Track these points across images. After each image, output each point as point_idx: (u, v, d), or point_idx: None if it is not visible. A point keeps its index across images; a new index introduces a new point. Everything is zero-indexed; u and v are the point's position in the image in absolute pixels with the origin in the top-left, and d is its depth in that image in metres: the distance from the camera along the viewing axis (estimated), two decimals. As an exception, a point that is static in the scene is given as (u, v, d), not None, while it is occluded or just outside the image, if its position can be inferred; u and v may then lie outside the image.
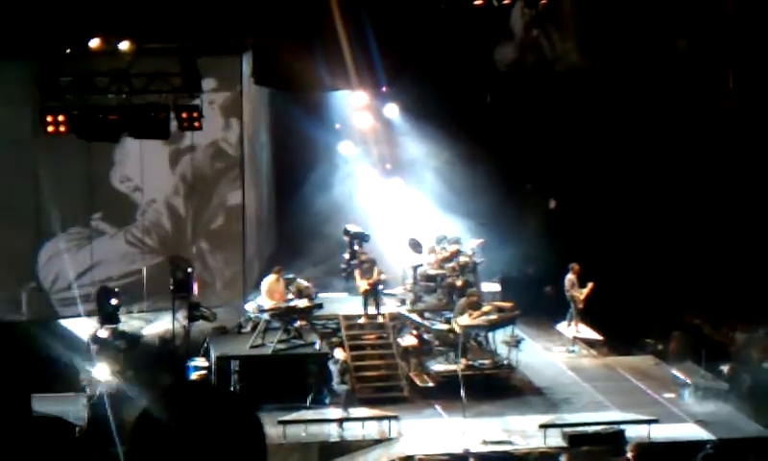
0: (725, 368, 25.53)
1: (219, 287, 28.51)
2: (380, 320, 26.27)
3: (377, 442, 22.35)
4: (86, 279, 27.78)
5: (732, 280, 28.42)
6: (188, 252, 27.94)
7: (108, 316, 25.52)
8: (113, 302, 25.69)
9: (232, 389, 23.87)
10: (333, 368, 23.81)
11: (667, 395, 24.94)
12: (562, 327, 28.23)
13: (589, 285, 27.38)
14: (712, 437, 22.41)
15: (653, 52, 29.76)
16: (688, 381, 24.98)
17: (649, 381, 25.85)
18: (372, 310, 26.29)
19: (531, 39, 30.74)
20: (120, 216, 28.42)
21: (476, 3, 29.49)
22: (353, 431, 22.66)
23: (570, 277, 27.73)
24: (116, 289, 25.99)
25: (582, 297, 27.50)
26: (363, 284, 26.31)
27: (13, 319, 26.67)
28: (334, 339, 25.78)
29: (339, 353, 24.10)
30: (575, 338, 27.89)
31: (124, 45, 26.31)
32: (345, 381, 23.69)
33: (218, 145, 28.80)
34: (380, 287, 26.59)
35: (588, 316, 27.87)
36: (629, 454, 21.34)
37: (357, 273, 26.55)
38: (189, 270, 26.13)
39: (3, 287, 27.37)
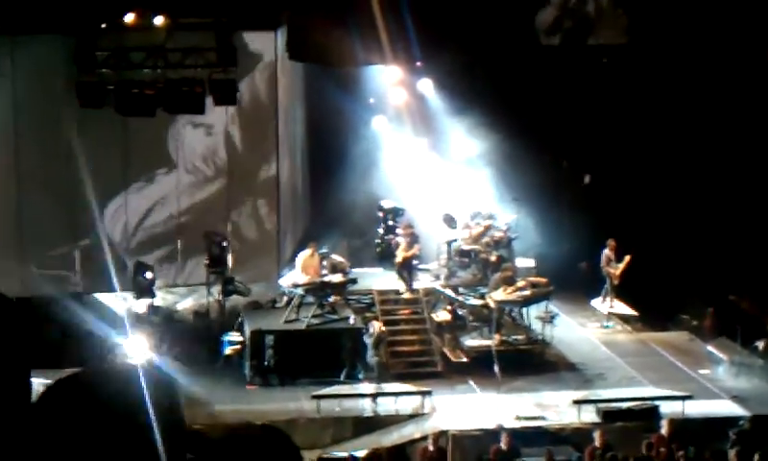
0: (760, 344, 25.41)
1: (253, 262, 28.58)
2: (409, 294, 26.33)
3: (411, 417, 22.38)
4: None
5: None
6: (224, 225, 28.02)
7: (144, 290, 25.70)
8: (148, 275, 25.86)
9: (266, 363, 24.00)
10: (368, 341, 23.90)
11: (702, 371, 24.85)
12: (596, 302, 28.17)
13: (626, 259, 27.29)
14: (747, 413, 22.32)
15: (693, 31, 29.48)
16: (724, 357, 24.88)
17: (684, 357, 25.76)
18: (402, 285, 26.40)
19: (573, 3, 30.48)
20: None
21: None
22: (387, 406, 22.70)
23: (606, 252, 27.65)
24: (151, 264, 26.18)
25: (618, 272, 27.42)
26: (399, 255, 26.47)
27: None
28: (369, 314, 25.85)
29: (374, 325, 24.19)
30: (610, 313, 27.83)
31: (159, 20, 26.41)
32: (378, 354, 23.77)
33: (253, 120, 28.84)
34: (415, 262, 26.66)
35: (622, 292, 27.81)
36: (663, 430, 21.25)
37: (403, 244, 26.66)
38: (224, 244, 26.24)
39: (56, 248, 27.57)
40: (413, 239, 26.79)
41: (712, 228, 29.02)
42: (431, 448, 20.73)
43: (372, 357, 23.75)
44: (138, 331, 24.18)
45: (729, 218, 29.18)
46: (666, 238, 28.79)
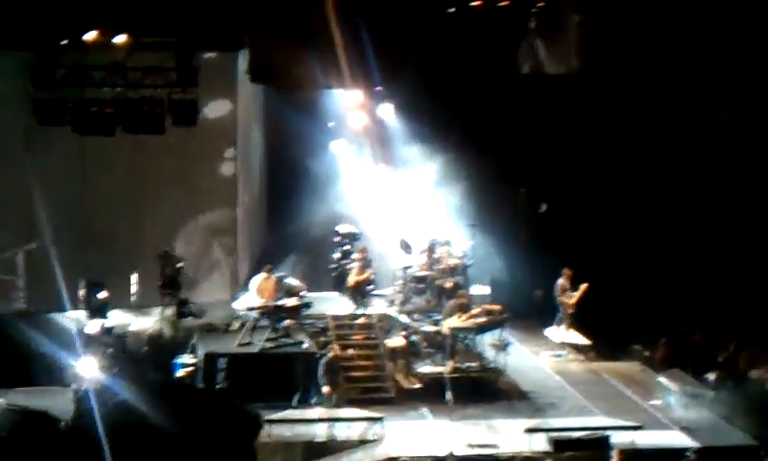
0: (712, 376, 25.58)
1: (208, 284, 28.50)
2: (362, 319, 26.39)
3: (362, 443, 22.33)
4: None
5: (721, 289, 28.51)
6: (179, 247, 27.91)
7: (96, 310, 25.57)
8: (101, 295, 25.73)
9: (218, 387, 23.95)
10: (321, 366, 23.90)
11: (653, 401, 24.98)
12: (550, 331, 28.29)
13: (582, 287, 27.43)
14: (697, 444, 22.44)
15: (650, 61, 29.74)
16: (675, 388, 25.01)
17: (635, 387, 25.88)
18: (356, 308, 26.51)
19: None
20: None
21: (474, 4, 29.48)
22: (338, 432, 22.64)
23: (562, 281, 27.79)
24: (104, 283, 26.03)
25: (573, 301, 27.56)
26: (352, 279, 26.57)
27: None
28: (324, 338, 25.83)
29: (330, 351, 24.23)
30: (562, 342, 27.95)
31: (120, 39, 26.34)
32: (331, 380, 23.76)
33: (211, 140, 28.79)
34: (369, 287, 26.71)
35: (576, 320, 27.95)
36: (614, 460, 21.34)
37: (355, 268, 26.74)
38: (178, 266, 26.17)
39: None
40: (365, 263, 26.89)
41: (666, 259, 29.24)
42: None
43: (322, 383, 23.73)
44: (90, 352, 24.06)
45: (682, 250, 29.41)
46: (620, 268, 28.98)
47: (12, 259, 27.54)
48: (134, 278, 27.47)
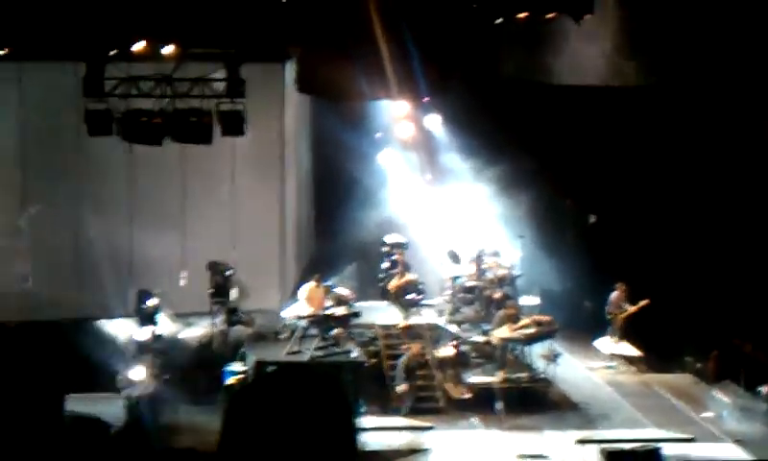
0: (764, 388, 25.31)
1: (257, 293, 28.48)
2: (404, 323, 26.29)
3: (411, 452, 22.26)
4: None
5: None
6: (228, 255, 27.93)
7: (146, 318, 25.64)
8: (151, 303, 25.80)
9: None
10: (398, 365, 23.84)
11: (705, 414, 24.75)
12: (600, 342, 28.09)
13: (642, 303, 27.21)
14: (750, 458, 22.21)
15: (705, 72, 29.50)
16: (727, 401, 24.79)
17: (687, 400, 25.67)
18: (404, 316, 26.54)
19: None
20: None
21: (521, 16, 29.36)
22: (388, 441, 22.57)
23: (616, 294, 27.62)
24: (155, 291, 26.08)
25: (626, 314, 27.35)
26: (392, 283, 26.67)
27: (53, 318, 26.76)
28: (371, 348, 25.79)
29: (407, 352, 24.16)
30: (613, 354, 27.75)
31: (168, 49, 26.43)
32: (410, 382, 23.66)
33: (259, 151, 28.84)
34: (415, 295, 26.72)
35: (627, 332, 27.74)
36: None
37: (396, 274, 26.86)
38: (228, 273, 26.18)
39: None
40: (404, 268, 26.91)
41: (717, 270, 28.97)
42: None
43: (398, 382, 23.63)
44: (140, 359, 24.11)
45: (734, 261, 29.13)
46: (671, 280, 28.74)
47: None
48: (183, 285, 27.51)
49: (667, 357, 27.69)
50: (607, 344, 27.89)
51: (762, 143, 30.04)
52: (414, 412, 23.95)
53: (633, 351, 27.79)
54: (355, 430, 4.06)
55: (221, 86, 26.43)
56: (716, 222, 29.69)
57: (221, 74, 26.11)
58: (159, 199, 28.48)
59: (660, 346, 27.35)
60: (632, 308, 27.33)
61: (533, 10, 26.81)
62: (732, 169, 29.94)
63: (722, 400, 24.96)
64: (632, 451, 22.22)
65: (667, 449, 22.23)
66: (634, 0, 29.56)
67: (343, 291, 26.30)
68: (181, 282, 27.68)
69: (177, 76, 26.50)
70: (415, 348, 24.54)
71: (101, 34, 26.14)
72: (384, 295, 28.34)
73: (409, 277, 27.29)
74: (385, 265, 28.43)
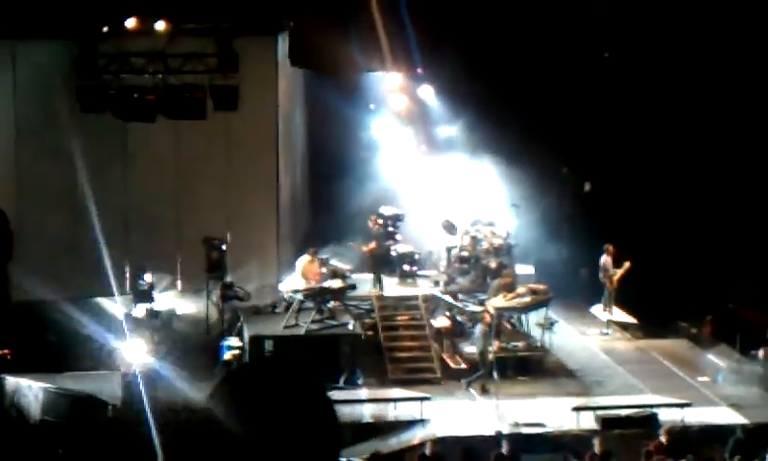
0: (760, 352, 25.38)
1: (253, 267, 28.54)
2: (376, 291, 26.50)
3: (410, 423, 22.35)
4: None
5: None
6: (223, 231, 27.96)
7: (142, 294, 25.71)
8: (147, 279, 25.87)
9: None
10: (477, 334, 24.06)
11: (701, 378, 24.85)
12: (595, 309, 28.18)
13: (626, 265, 27.29)
14: (746, 421, 22.31)
15: (698, 41, 29.51)
16: (722, 365, 24.87)
17: (683, 365, 25.76)
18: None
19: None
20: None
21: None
22: (386, 412, 22.69)
23: (605, 258, 27.67)
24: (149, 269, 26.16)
25: (615, 278, 27.43)
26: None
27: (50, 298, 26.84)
28: (368, 320, 25.84)
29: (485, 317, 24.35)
30: (609, 321, 27.84)
31: (160, 25, 26.44)
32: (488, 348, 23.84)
33: (253, 125, 28.82)
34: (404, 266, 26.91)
35: (621, 299, 27.82)
36: (662, 437, 21.20)
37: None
38: (223, 247, 26.21)
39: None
40: (377, 235, 27.10)
41: (712, 235, 29.04)
42: (428, 453, 20.69)
43: (480, 351, 23.73)
44: (137, 336, 24.20)
45: (728, 225, 29.21)
46: (666, 246, 28.81)
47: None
48: (179, 261, 27.58)
49: (662, 323, 27.77)
50: (602, 311, 27.97)
51: (759, 107, 30.09)
52: (411, 383, 24.04)
53: (628, 318, 27.87)
54: (335, 423, 4.14)
55: (213, 61, 26.42)
56: (711, 188, 29.74)
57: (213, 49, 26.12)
58: (154, 176, 28.47)
59: (654, 312, 27.42)
60: (619, 272, 27.39)
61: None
62: (729, 131, 29.97)
63: (717, 364, 25.05)
64: (627, 417, 22.35)
65: (663, 415, 22.36)
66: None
67: (338, 264, 26.36)
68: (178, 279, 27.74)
69: (169, 52, 26.48)
70: (486, 314, 24.48)
71: (93, 11, 26.16)
72: (381, 266, 28.41)
73: (374, 244, 27.35)
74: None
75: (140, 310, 25.55)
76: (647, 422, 22.24)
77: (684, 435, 21.40)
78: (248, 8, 27.16)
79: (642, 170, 30.29)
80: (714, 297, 27.82)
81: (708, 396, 23.85)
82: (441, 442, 21.19)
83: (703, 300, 27.61)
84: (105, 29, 26.58)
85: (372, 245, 27.21)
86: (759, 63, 29.62)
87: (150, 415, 20.31)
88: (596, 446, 20.60)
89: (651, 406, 22.74)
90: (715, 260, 28.39)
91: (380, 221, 27.78)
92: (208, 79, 26.24)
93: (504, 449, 20.52)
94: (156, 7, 26.65)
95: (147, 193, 28.34)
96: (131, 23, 26.40)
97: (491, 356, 23.82)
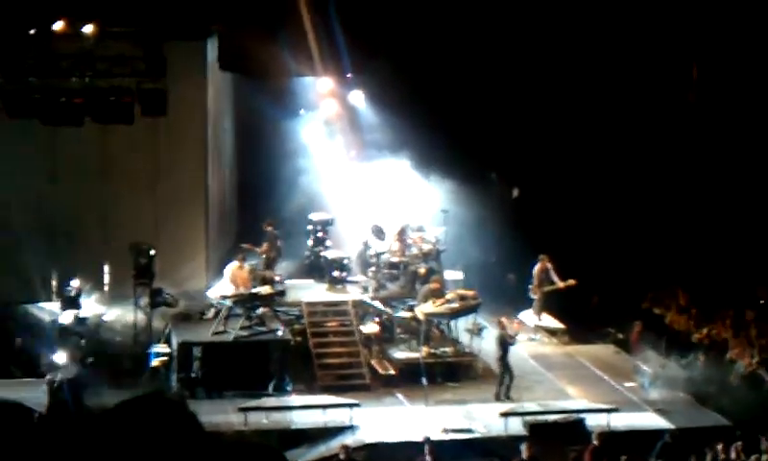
0: (686, 357, 25.69)
1: (181, 273, 28.36)
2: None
3: (338, 429, 22.32)
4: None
5: (694, 270, 28.62)
6: (151, 237, 27.74)
7: (69, 300, 25.43)
8: (74, 285, 25.60)
9: (193, 375, 23.90)
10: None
11: (628, 384, 25.08)
12: (524, 315, 28.32)
13: (570, 282, 27.36)
14: (671, 426, 22.55)
15: (617, 43, 29.83)
16: (649, 370, 25.12)
17: (610, 370, 25.99)
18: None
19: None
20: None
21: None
22: (314, 418, 22.64)
23: (539, 266, 27.81)
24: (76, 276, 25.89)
25: (555, 288, 27.50)
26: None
27: None
28: (297, 326, 25.77)
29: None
30: (537, 326, 28.00)
31: (88, 28, 26.18)
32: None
33: (181, 130, 28.63)
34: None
35: (550, 305, 28.00)
36: (594, 441, 21.35)
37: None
38: (152, 252, 25.99)
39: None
40: (272, 237, 27.14)
41: (638, 241, 29.31)
42: (342, 457, 20.66)
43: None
44: (64, 342, 23.94)
45: (654, 232, 29.51)
46: (593, 252, 29.04)
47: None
48: (106, 267, 27.31)
49: (590, 328, 28.00)
50: (530, 317, 28.13)
51: (681, 112, 30.45)
52: (341, 389, 24.01)
53: (556, 324, 28.06)
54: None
55: (141, 65, 26.21)
56: (637, 194, 30.03)
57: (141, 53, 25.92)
58: (82, 180, 28.19)
59: (582, 317, 27.64)
60: (560, 284, 27.53)
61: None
62: (650, 136, 30.30)
63: (644, 369, 25.28)
64: (555, 423, 22.51)
65: (590, 420, 22.54)
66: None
67: (267, 270, 26.27)
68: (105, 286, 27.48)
69: (97, 55, 26.23)
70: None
71: (19, 13, 25.85)
72: (311, 273, 28.37)
73: (334, 253, 27.40)
74: (310, 242, 28.43)
75: (67, 317, 25.25)
76: (574, 427, 22.40)
77: (613, 440, 21.58)
78: (177, 12, 26.99)
79: (570, 175, 30.51)
80: (641, 302, 28.11)
81: (635, 401, 24.09)
82: (369, 448, 21.22)
83: (630, 306, 27.87)
84: (31, 31, 26.24)
85: (265, 246, 27.19)
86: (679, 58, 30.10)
87: (76, 422, 20.08)
88: (524, 451, 20.75)
89: (578, 411, 22.92)
90: (642, 266, 28.65)
91: (274, 226, 27.73)
92: (136, 83, 26.00)
93: (427, 456, 20.59)
94: (85, 10, 26.38)
95: (74, 198, 28.06)
96: (58, 26, 26.11)
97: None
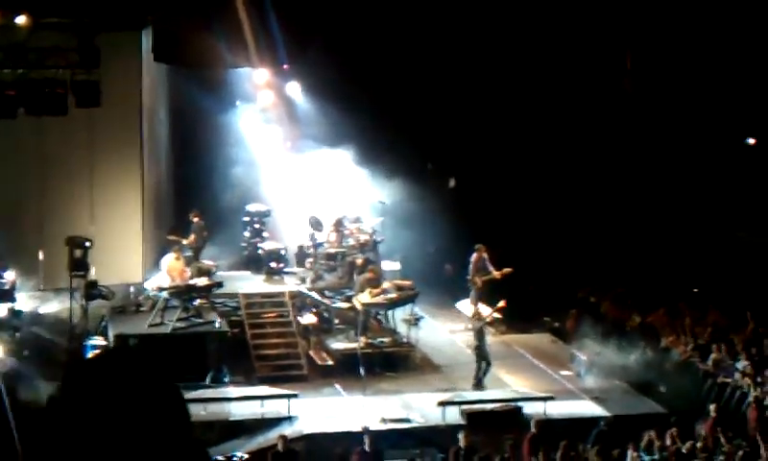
0: (621, 345, 25.92)
1: (117, 265, 28.17)
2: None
3: (277, 420, 22.30)
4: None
5: (629, 259, 28.91)
6: (87, 229, 27.53)
7: (4, 293, 25.18)
8: (9, 278, 25.35)
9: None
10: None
11: (564, 372, 25.27)
12: (461, 305, 28.41)
13: (506, 270, 27.37)
14: (607, 413, 22.76)
15: (555, 29, 30.02)
16: (585, 358, 25.33)
17: (546, 359, 26.18)
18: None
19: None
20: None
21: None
22: (253, 410, 22.59)
23: (476, 256, 27.88)
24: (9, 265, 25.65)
25: (491, 277, 27.54)
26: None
27: None
28: (234, 317, 25.69)
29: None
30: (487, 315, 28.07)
31: (20, 19, 25.88)
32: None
33: (116, 121, 28.43)
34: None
35: (487, 294, 28.09)
36: (533, 429, 21.50)
37: None
38: (87, 244, 25.80)
39: None
40: (196, 227, 27.08)
41: (574, 230, 29.55)
42: (280, 448, 20.66)
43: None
44: (-2, 336, 23.72)
45: (590, 219, 29.76)
46: (530, 240, 29.23)
47: None
48: (41, 260, 27.08)
49: (526, 317, 28.15)
50: (467, 306, 28.20)
51: (616, 100, 30.70)
52: (279, 380, 23.99)
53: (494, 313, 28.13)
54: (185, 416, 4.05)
55: (75, 57, 25.97)
56: (571, 181, 30.28)
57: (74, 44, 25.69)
58: (16, 172, 27.92)
59: (519, 306, 27.77)
60: (496, 274, 27.60)
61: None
62: (588, 127, 30.54)
63: (580, 357, 25.49)
64: (492, 411, 22.65)
65: (527, 408, 22.71)
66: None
67: (204, 261, 26.18)
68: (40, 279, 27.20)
69: (29, 46, 25.95)
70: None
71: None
72: (248, 264, 28.33)
73: (271, 244, 27.37)
74: (247, 234, 28.37)
75: (1, 310, 25.00)
76: (511, 415, 22.57)
77: (550, 428, 21.75)
78: (111, 3, 26.78)
79: (507, 165, 30.68)
80: (577, 291, 28.34)
81: (572, 389, 24.29)
82: (307, 438, 21.23)
83: (566, 294, 28.09)
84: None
85: (192, 237, 27.09)
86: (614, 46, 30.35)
87: (10, 415, 19.92)
88: (461, 440, 20.86)
89: (515, 400, 23.08)
90: (578, 254, 28.89)
91: (200, 217, 27.65)
92: (70, 74, 25.77)
93: (366, 446, 20.65)
94: (17, 0, 26.08)
95: (9, 189, 27.78)
96: (-11, 16, 25.80)
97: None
